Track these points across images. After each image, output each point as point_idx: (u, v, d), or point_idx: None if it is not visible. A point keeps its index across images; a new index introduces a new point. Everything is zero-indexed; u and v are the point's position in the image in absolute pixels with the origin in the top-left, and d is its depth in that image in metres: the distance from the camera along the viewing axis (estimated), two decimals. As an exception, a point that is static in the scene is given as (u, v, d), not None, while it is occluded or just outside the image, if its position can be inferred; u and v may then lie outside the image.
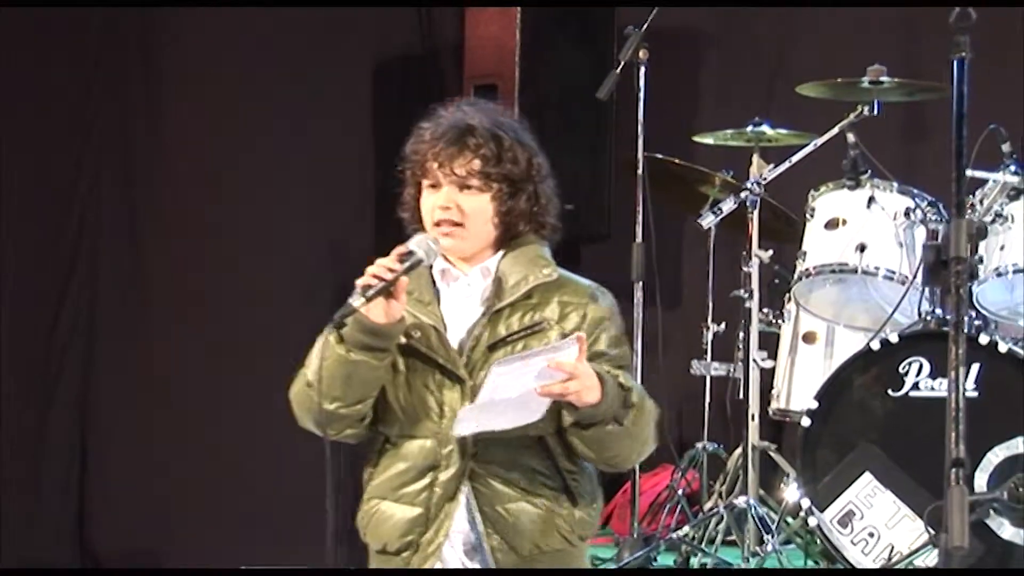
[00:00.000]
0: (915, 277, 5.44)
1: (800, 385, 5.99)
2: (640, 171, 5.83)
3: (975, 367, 5.06)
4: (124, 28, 6.92)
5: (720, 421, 6.33)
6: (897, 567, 5.07)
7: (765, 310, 6.05)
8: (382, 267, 3.33)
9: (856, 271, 5.56)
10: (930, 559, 4.99)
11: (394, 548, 3.46)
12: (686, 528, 5.70)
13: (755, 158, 6.11)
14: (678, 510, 6.11)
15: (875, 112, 5.58)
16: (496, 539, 3.42)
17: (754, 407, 5.64)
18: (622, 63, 5.79)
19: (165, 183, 6.92)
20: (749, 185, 5.65)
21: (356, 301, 3.29)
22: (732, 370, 6.17)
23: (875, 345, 5.26)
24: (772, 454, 5.87)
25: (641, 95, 5.85)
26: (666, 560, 5.63)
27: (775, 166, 5.72)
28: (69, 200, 6.87)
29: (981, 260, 5.29)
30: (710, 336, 6.29)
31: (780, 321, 6.13)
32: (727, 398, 6.22)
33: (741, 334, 5.84)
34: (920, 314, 5.42)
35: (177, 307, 6.86)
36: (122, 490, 6.76)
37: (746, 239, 5.71)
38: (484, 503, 3.42)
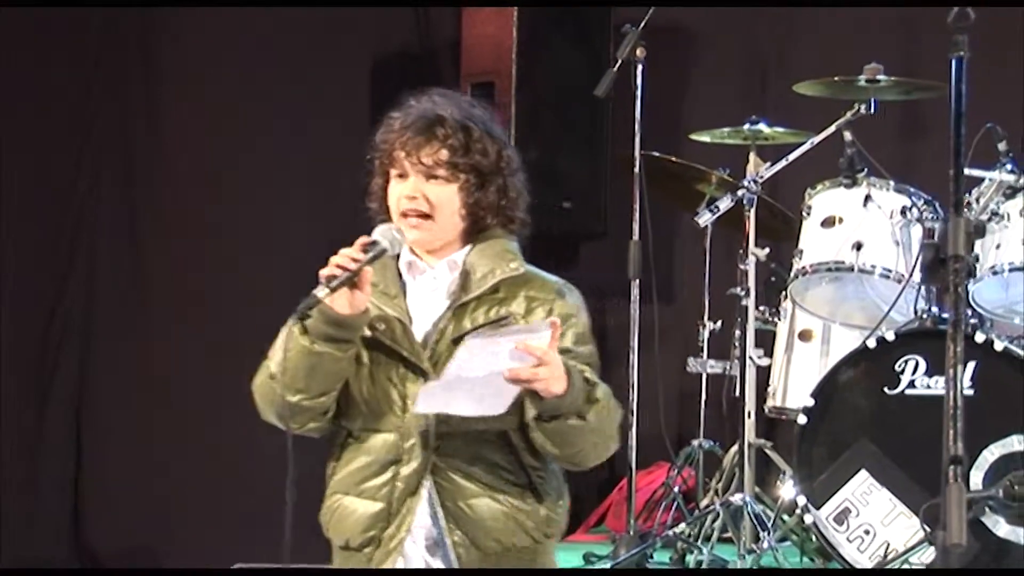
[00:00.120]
0: (911, 275, 5.45)
1: (796, 383, 5.98)
2: (637, 169, 5.83)
3: (971, 365, 5.05)
4: (124, 28, 6.93)
5: (716, 418, 6.33)
6: (892, 565, 5.07)
7: (761, 308, 6.03)
8: (346, 257, 3.29)
9: (852, 269, 5.55)
10: (925, 556, 5.00)
11: (356, 543, 3.42)
12: (682, 525, 5.71)
13: (752, 156, 6.12)
14: (674, 507, 6.12)
15: (872, 110, 5.58)
16: (458, 535, 3.36)
17: (750, 405, 5.63)
18: (619, 61, 5.79)
19: (165, 183, 6.93)
20: (746, 183, 5.64)
21: (320, 292, 3.24)
22: (728, 368, 6.17)
23: (871, 343, 5.26)
24: (768, 451, 5.86)
25: (638, 93, 5.84)
26: (662, 557, 5.63)
27: (772, 164, 5.71)
28: (69, 200, 6.89)
29: (977, 258, 5.29)
30: (706, 334, 6.29)
31: (776, 319, 6.11)
32: (723, 396, 6.24)
33: (737, 332, 5.83)
34: (916, 312, 5.42)
35: (177, 307, 6.87)
36: (121, 489, 6.77)
37: (743, 237, 5.71)
38: (446, 498, 3.36)
